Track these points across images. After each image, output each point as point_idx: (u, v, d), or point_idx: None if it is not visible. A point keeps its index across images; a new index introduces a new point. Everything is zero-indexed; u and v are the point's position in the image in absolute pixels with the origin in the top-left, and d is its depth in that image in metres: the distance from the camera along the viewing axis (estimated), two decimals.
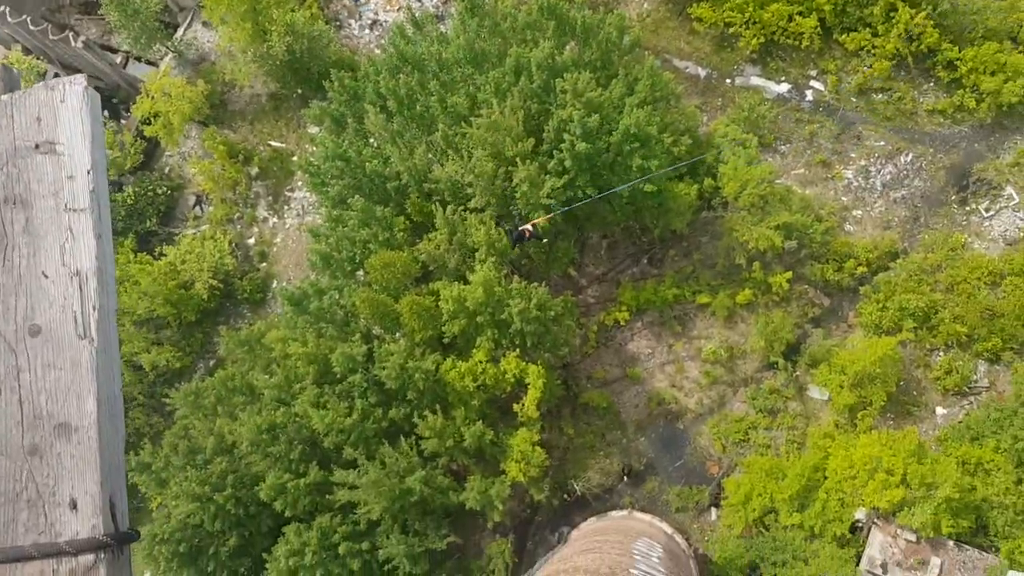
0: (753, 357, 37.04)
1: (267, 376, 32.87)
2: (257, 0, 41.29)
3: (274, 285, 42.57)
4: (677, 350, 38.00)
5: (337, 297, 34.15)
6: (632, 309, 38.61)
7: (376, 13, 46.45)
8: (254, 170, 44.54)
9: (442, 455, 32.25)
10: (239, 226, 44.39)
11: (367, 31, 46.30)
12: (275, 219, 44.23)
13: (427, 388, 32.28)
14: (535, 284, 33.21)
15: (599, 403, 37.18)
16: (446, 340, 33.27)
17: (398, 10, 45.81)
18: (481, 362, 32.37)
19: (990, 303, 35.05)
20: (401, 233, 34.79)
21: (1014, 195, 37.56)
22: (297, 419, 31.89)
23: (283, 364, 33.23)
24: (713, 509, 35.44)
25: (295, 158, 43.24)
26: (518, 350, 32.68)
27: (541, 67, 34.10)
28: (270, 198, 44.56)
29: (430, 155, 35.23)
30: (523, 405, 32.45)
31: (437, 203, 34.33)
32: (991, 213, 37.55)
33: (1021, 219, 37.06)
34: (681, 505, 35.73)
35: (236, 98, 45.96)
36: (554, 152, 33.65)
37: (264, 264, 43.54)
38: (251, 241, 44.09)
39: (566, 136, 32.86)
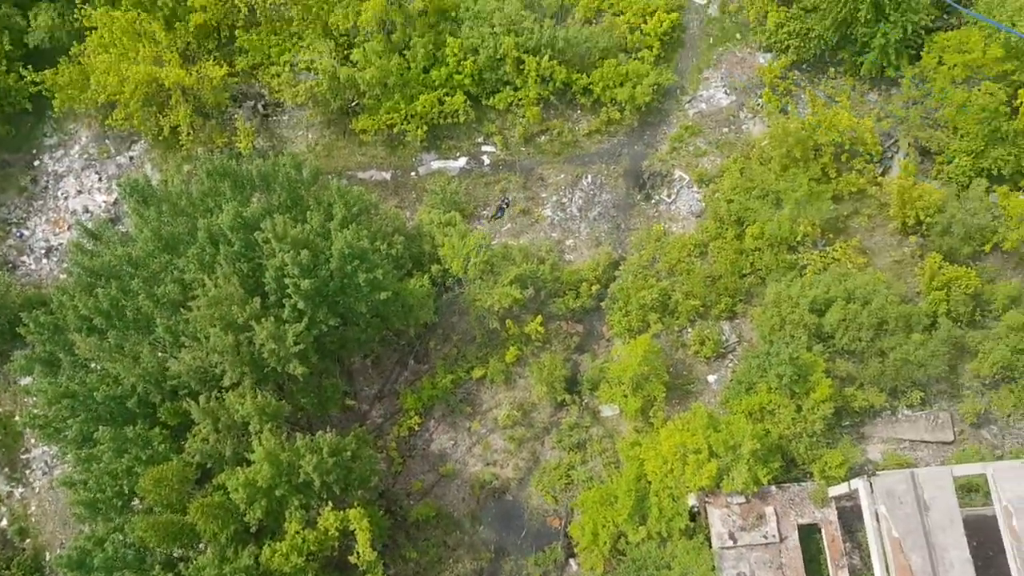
0: (543, 405, 38.61)
1: None
2: None
3: (48, 558, 38.21)
4: (476, 429, 38.73)
5: (121, 538, 31.36)
6: (420, 411, 38.92)
7: (47, 241, 43.81)
8: None
9: None
10: None
11: (44, 261, 43.50)
12: (21, 489, 39.86)
13: None
14: (320, 432, 32.57)
15: (428, 514, 36.87)
16: (253, 528, 31.61)
17: (68, 229, 43.53)
18: (298, 532, 31.07)
19: (707, 271, 39.24)
20: (162, 444, 32.78)
21: (683, 175, 42.50)
22: None
23: None
24: (571, 560, 36.18)
25: (17, 418, 39.41)
26: (330, 503, 31.78)
27: (234, 228, 33.99)
28: (6, 470, 40.14)
29: (160, 354, 33.72)
30: (358, 553, 31.47)
31: (187, 398, 32.85)
32: (672, 198, 42.19)
33: (696, 192, 41.97)
34: (542, 571, 36.12)
35: None
36: (284, 300, 33.53)
37: (28, 541, 38.96)
38: (3, 523, 39.36)
39: (287, 281, 32.90)
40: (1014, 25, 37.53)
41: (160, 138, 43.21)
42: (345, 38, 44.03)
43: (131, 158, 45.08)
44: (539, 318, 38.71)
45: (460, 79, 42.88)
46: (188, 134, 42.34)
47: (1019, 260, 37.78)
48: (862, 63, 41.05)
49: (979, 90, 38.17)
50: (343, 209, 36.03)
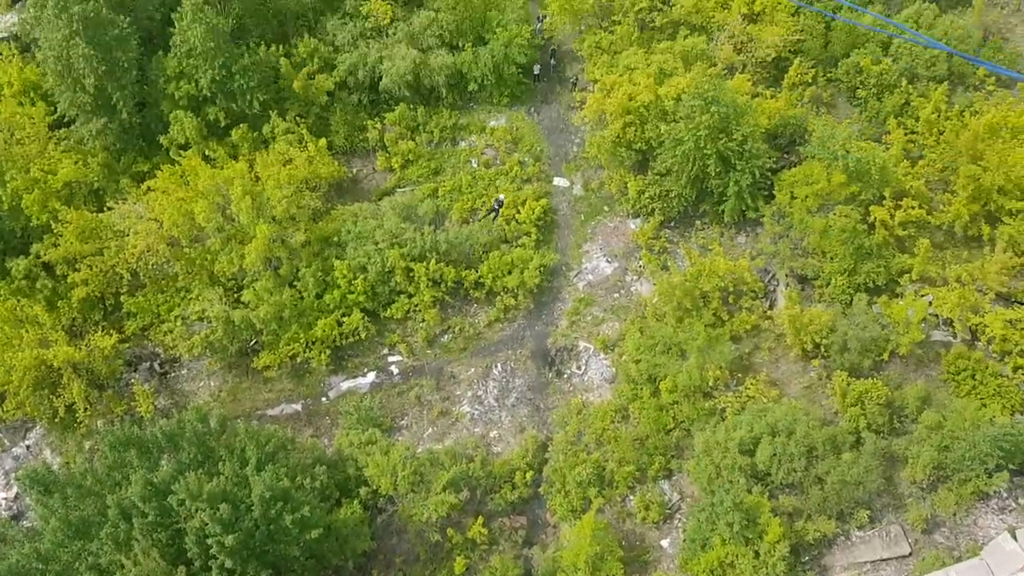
0: None
1: None
2: None
3: None
4: None
5: None
6: None
7: None
8: None
9: None
10: None
11: None
12: None
13: None
14: None
15: None
16: None
17: None
18: None
19: (633, 434, 39.40)
20: None
21: (588, 345, 43.46)
22: None
23: None
24: None
25: None
26: None
27: (145, 497, 32.40)
28: None
29: None
30: None
31: None
32: (583, 369, 42.90)
33: (604, 359, 42.84)
34: None
35: None
36: (210, 563, 31.65)
37: None
38: None
39: (210, 540, 31.23)
40: (847, 152, 41.21)
41: (56, 420, 41.52)
42: (233, 282, 44.43)
43: (27, 447, 43.01)
44: (480, 519, 37.65)
45: (354, 298, 43.52)
46: (85, 410, 40.89)
47: (917, 362, 39.56)
48: (723, 211, 43.95)
49: (835, 214, 41.21)
50: (257, 452, 35.03)
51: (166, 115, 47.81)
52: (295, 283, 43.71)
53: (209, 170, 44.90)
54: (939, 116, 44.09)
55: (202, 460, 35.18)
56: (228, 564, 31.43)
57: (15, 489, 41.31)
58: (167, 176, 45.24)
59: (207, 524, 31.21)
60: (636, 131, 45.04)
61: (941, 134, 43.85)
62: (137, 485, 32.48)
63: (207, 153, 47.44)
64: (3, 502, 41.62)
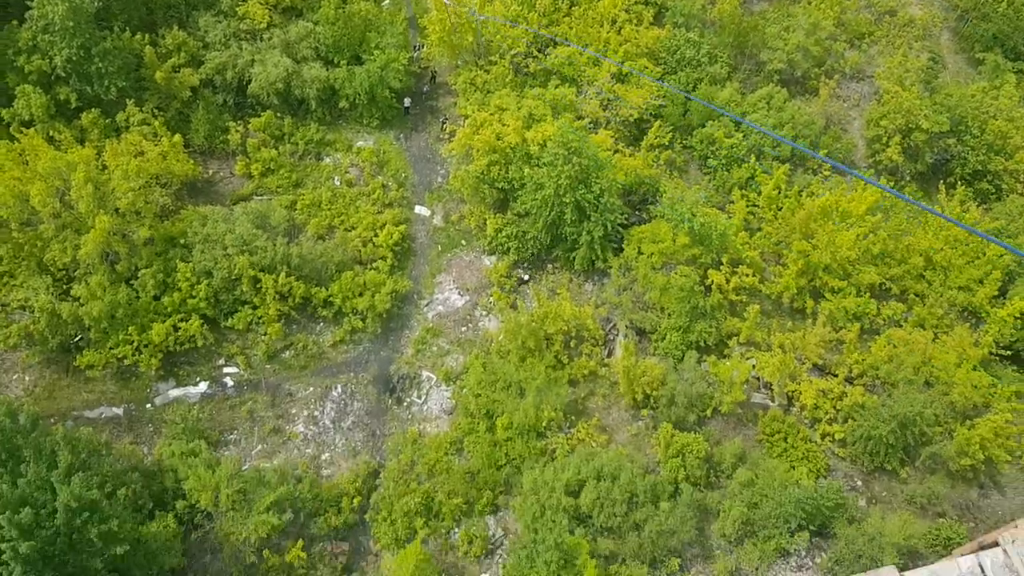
0: None
1: None
2: None
3: None
4: None
5: None
6: None
7: None
8: None
9: None
10: None
11: None
12: None
13: None
14: None
15: None
16: None
17: None
18: None
19: (465, 468, 39.78)
20: None
21: (431, 375, 43.63)
22: None
23: None
24: None
25: None
26: None
27: None
28: None
29: None
30: None
31: None
32: (423, 399, 43.01)
33: (445, 391, 43.11)
34: None
35: None
36: (1, 570, 29.51)
37: None
38: None
39: (3, 545, 29.22)
40: (694, 216, 43.62)
41: None
42: (63, 272, 41.94)
43: None
44: (300, 542, 36.91)
45: (195, 303, 41.98)
46: None
47: (737, 421, 42.04)
48: (574, 258, 45.48)
49: (676, 273, 43.42)
50: (69, 456, 33.01)
51: (12, 88, 44.86)
52: (132, 281, 41.71)
53: (52, 152, 42.33)
54: (779, 193, 47.38)
55: (5, 459, 32.81)
56: (19, 572, 29.38)
57: None
58: (4, 152, 42.35)
59: (3, 527, 29.11)
60: (500, 170, 46.04)
61: (779, 210, 47.11)
62: None
63: (52, 134, 44.74)
64: None
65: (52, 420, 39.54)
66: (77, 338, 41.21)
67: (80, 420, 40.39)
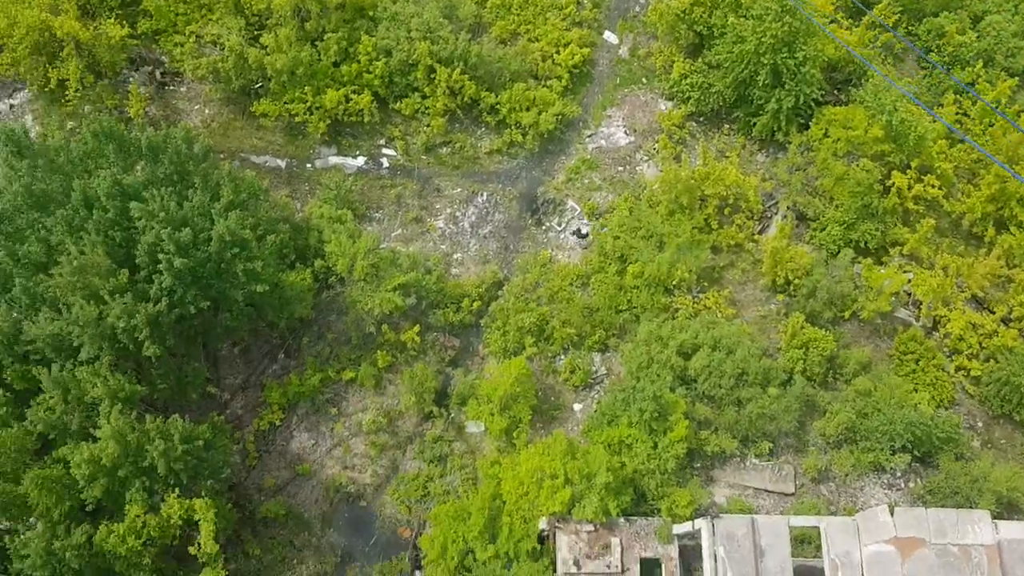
0: (409, 414, 38.52)
1: None
2: None
3: None
4: (338, 432, 38.25)
5: None
6: (283, 407, 38.19)
7: None
8: None
9: None
10: None
11: None
12: None
13: (85, 566, 29.09)
14: (174, 416, 31.49)
15: (278, 512, 36.13)
16: (90, 507, 30.24)
17: None
18: (139, 516, 29.93)
19: (586, 302, 40.17)
20: (3, 408, 31.03)
21: (575, 206, 43.45)
22: None
23: None
24: (417, 572, 36.15)
25: None
26: (176, 489, 30.75)
27: (110, 195, 32.63)
28: None
29: (15, 314, 31.94)
30: (199, 544, 30.54)
31: (39, 365, 31.23)
32: (563, 226, 43.07)
33: (586, 225, 42.96)
34: None
35: None
36: (153, 276, 32.38)
37: None
38: None
39: (161, 256, 31.79)
40: (896, 110, 40.18)
41: (46, 90, 41.10)
42: (257, 18, 43.11)
43: (11, 106, 42.70)
44: (417, 327, 38.70)
45: (370, 78, 42.61)
46: (77, 90, 40.40)
47: (873, 330, 40.28)
48: (755, 124, 43.10)
49: (857, 166, 40.66)
50: (231, 193, 35.16)
51: None
52: (317, 43, 42.49)
53: None
54: (997, 107, 42.90)
55: (176, 180, 35.27)
56: (169, 283, 32.16)
57: None
58: None
59: (163, 241, 31.65)
60: (704, 12, 43.30)
61: (991, 126, 42.83)
62: (106, 181, 32.61)
63: None
64: None
65: (221, 156, 41.86)
66: (258, 85, 42.86)
67: (246, 163, 42.71)
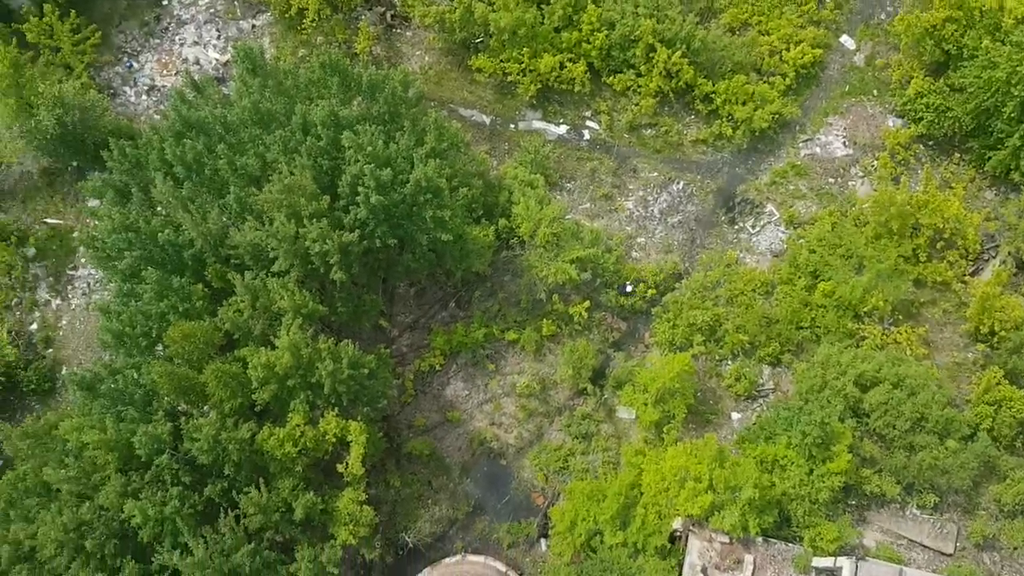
0: (563, 386, 38.60)
1: (63, 470, 30.55)
2: (19, 74, 38.93)
3: (63, 372, 39.66)
4: (492, 388, 38.92)
5: (135, 376, 32.38)
6: (446, 353, 39.26)
7: (152, 79, 44.82)
8: (30, 251, 41.54)
9: (268, 529, 31.21)
10: (18, 312, 41.11)
11: (144, 97, 44.56)
12: (58, 301, 41.34)
13: (244, 459, 31.22)
14: (346, 341, 33.05)
15: (422, 451, 37.36)
16: (258, 408, 32.38)
17: (175, 75, 44.45)
18: (299, 426, 31.74)
19: (766, 312, 38.55)
20: (200, 302, 33.62)
21: (774, 211, 41.62)
22: (104, 512, 29.90)
23: (80, 455, 31.07)
24: (543, 540, 36.42)
25: (76, 234, 40.69)
26: (336, 409, 32.35)
27: (325, 124, 34.32)
28: (51, 279, 41.64)
29: (225, 219, 34.44)
30: (347, 464, 32.07)
31: (237, 269, 33.57)
32: (757, 229, 41.40)
33: (783, 232, 41.10)
34: (512, 541, 36.47)
35: (3, 177, 42.81)
36: (350, 207, 33.91)
37: (50, 351, 40.52)
38: (33, 327, 40.94)
39: (360, 189, 33.21)
40: None
41: (286, 16, 43.75)
42: None
43: (253, 26, 45.70)
44: (586, 303, 38.56)
45: (588, 48, 42.38)
46: (313, 20, 42.77)
47: None
48: (989, 158, 39.49)
49: None
50: (434, 140, 36.13)
51: None
52: (543, 6, 42.62)
53: None
54: None
55: (387, 120, 36.64)
56: (364, 216, 33.58)
57: (228, 56, 44.39)
58: None
59: (365, 176, 33.02)
60: (957, 31, 39.92)
61: None
62: (324, 110, 34.31)
63: None
64: (214, 62, 45.00)
65: (432, 104, 43.07)
66: (479, 39, 43.64)
67: (453, 114, 43.76)
